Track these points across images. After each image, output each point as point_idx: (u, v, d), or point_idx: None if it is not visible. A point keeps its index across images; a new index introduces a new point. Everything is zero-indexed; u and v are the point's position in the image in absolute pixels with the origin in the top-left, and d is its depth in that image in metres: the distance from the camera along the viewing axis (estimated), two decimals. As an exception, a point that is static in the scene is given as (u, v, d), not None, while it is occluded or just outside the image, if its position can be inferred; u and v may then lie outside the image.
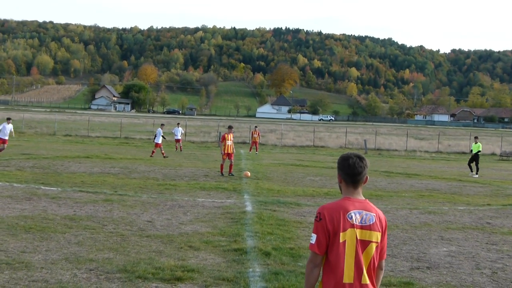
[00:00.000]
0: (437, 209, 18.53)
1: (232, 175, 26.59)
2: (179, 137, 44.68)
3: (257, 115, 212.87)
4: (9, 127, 32.22)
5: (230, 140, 27.25)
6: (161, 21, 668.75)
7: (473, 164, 35.04)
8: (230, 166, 27.12)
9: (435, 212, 17.81)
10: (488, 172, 37.12)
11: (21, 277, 9.04)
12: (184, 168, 29.13)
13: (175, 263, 10.11)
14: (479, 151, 35.57)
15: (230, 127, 28.55)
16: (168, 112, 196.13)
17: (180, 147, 44.28)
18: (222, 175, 26.47)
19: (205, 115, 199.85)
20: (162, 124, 41.04)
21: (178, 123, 45.97)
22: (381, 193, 22.63)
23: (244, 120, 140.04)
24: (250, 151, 45.80)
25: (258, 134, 46.76)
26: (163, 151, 36.90)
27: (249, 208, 16.85)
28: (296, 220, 15.27)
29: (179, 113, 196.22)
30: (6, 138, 31.70)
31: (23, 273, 9.27)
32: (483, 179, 31.27)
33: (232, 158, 27.39)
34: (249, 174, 26.66)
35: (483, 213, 18.32)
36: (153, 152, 36.96)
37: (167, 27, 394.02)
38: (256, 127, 50.73)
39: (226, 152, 26.97)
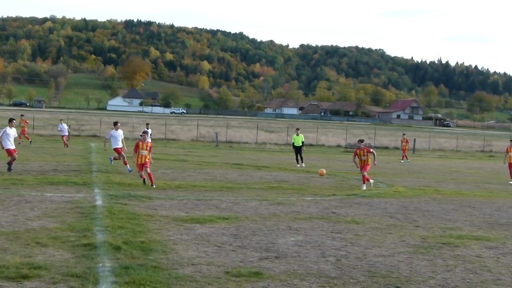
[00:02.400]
0: (286, 200, 19.04)
1: (153, 186, 21.34)
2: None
3: (108, 107, 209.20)
4: (119, 133, 28.08)
5: (145, 149, 22.19)
6: (6, 10, 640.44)
7: (299, 156, 36.14)
8: (149, 176, 21.75)
9: (283, 203, 18.29)
10: (333, 164, 38.49)
11: None
12: (31, 162, 28.21)
13: (21, 260, 9.76)
14: (303, 142, 36.78)
15: (144, 132, 23.32)
16: (15, 105, 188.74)
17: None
18: (144, 184, 21.73)
19: (54, 107, 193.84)
20: (148, 124, 40.60)
21: (148, 124, 41.63)
22: (231, 185, 22.94)
23: (95, 113, 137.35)
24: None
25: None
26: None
27: (99, 202, 16.59)
28: (147, 213, 15.19)
29: (26, 106, 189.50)
30: (118, 146, 27.29)
31: None
32: (329, 170, 32.38)
33: (148, 166, 22.08)
34: (324, 171, 25.58)
35: (329, 203, 19.01)
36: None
37: (13, 16, 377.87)
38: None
39: (139, 162, 22.07)
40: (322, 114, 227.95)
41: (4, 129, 24.58)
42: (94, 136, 61.03)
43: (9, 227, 12.63)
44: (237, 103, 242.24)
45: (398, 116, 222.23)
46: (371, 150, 24.59)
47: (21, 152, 34.09)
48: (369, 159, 24.34)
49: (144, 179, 21.96)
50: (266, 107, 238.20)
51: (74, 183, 20.93)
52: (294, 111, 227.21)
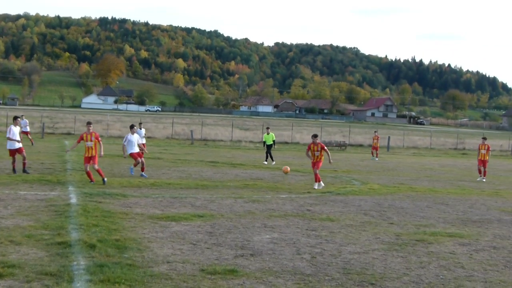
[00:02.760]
0: (261, 198, 19.07)
1: (92, 182, 21.08)
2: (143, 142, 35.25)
3: (83, 105, 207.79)
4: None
5: (91, 140, 21.26)
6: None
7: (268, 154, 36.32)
8: (98, 172, 21.25)
9: (259, 201, 18.31)
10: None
11: None
12: (4, 160, 27.90)
13: (-6, 259, 9.71)
14: (274, 141, 37.02)
15: (89, 123, 21.91)
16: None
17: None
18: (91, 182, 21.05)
19: (27, 105, 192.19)
20: (140, 123, 37.48)
21: (141, 123, 38.35)
22: (206, 183, 22.92)
23: (70, 111, 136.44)
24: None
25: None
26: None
27: (73, 200, 16.50)
28: (122, 211, 15.13)
29: (0, 103, 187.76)
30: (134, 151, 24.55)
31: None
32: (304, 168, 32.44)
33: (96, 162, 21.23)
34: (288, 169, 23.89)
35: (304, 200, 19.07)
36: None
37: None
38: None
39: (86, 155, 21.30)
40: (297, 112, 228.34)
41: (9, 128, 23.78)
42: (68, 134, 60.65)
43: (-18, 226, 12.52)
44: (212, 101, 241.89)
45: (373, 114, 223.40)
46: (325, 147, 23.74)
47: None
48: (323, 156, 23.51)
49: (89, 176, 21.21)
50: (241, 105, 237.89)
51: (48, 181, 20.80)
52: (269, 109, 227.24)
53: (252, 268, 10.06)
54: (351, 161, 41.77)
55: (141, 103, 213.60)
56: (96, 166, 21.14)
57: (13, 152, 23.61)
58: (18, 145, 23.69)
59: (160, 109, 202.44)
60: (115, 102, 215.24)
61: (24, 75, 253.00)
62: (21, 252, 10.32)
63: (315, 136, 23.76)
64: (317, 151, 23.35)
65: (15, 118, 24.48)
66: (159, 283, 8.82)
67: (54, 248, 10.69)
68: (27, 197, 16.81)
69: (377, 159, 45.34)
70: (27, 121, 45.21)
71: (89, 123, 21.82)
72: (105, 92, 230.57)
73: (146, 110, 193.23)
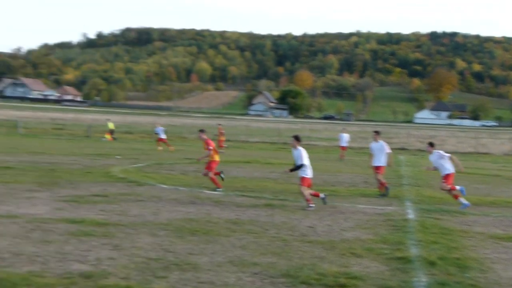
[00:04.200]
0: None
1: None
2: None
3: (415, 120, 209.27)
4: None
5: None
6: (315, 27, 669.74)
7: None
8: None
9: None
10: None
11: (189, 278, 9.29)
12: (343, 174, 28.97)
13: (338, 269, 10.03)
14: None
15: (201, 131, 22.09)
16: (325, 118, 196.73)
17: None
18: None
19: (362, 120, 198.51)
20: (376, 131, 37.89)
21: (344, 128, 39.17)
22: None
23: (402, 126, 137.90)
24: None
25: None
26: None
27: (411, 215, 16.47)
28: (461, 229, 14.73)
29: (335, 118, 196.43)
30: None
31: (190, 274, 9.53)
32: None
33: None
34: None
35: None
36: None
37: (321, 32, 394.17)
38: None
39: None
40: None
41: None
42: (403, 149, 61.03)
43: (325, 237, 13.05)
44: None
45: None
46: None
47: (333, 164, 35.28)
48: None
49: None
50: None
51: (384, 196, 20.99)
52: None
53: None
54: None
55: (475, 117, 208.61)
56: None
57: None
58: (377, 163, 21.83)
59: (496, 124, 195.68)
60: (449, 117, 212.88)
61: (357, 91, 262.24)
62: (362, 265, 10.54)
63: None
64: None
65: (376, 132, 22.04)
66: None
67: (394, 262, 10.75)
68: (366, 211, 17.18)
69: None
70: (162, 128, 44.22)
71: None
72: (438, 107, 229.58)
73: (482, 125, 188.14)
